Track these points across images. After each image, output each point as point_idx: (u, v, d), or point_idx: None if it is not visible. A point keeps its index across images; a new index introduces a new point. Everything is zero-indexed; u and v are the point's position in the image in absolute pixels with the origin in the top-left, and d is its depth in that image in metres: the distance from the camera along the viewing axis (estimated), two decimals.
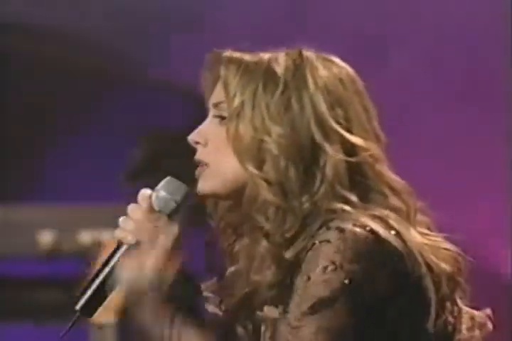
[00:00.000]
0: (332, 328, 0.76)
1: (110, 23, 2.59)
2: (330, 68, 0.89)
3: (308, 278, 0.78)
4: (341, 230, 0.79)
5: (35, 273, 2.73)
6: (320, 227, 0.82)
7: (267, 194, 0.84)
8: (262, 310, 0.86)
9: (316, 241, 0.80)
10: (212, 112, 0.92)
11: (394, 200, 0.86)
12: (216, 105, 0.91)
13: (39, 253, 2.70)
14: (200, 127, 0.92)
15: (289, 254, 0.83)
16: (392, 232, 0.81)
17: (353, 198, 0.84)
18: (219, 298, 0.92)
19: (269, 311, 0.85)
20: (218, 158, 0.89)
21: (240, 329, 0.90)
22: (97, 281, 0.87)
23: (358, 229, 0.79)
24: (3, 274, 2.71)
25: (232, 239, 0.92)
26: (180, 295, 0.89)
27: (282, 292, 0.83)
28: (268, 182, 0.84)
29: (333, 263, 0.77)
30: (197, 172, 0.91)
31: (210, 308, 0.92)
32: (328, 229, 0.80)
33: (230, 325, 0.91)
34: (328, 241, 0.78)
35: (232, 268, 0.91)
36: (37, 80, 2.66)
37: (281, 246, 0.84)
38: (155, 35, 2.64)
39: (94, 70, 2.61)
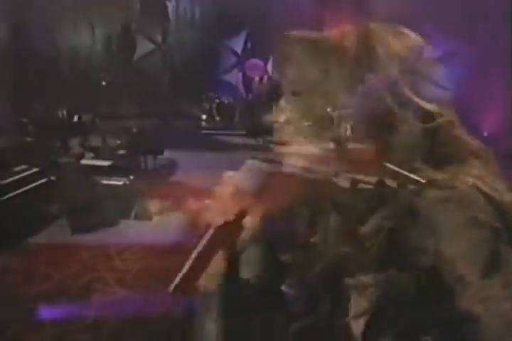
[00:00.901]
0: None
1: None
2: (398, 37, 0.88)
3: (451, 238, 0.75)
4: (451, 187, 0.78)
5: None
6: (415, 190, 0.79)
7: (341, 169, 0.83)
8: (352, 277, 0.86)
9: (429, 201, 0.77)
10: (287, 88, 0.93)
11: (475, 163, 0.85)
12: (291, 82, 0.92)
13: None
14: (278, 106, 0.92)
15: (368, 227, 0.82)
16: (493, 189, 0.80)
17: (430, 164, 0.83)
18: (299, 270, 0.92)
19: (362, 279, 0.85)
20: (300, 137, 0.88)
21: (325, 297, 0.90)
22: (189, 262, 0.88)
23: (464, 186, 0.78)
24: None
25: (307, 215, 0.91)
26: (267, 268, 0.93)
27: (370, 260, 0.83)
28: (343, 156, 0.83)
29: (466, 218, 0.75)
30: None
31: (285, 288, 0.94)
32: (438, 188, 0.78)
33: (311, 293, 0.92)
34: (446, 201, 0.77)
35: (311, 240, 0.90)
36: None
37: (354, 219, 0.83)
38: None
39: None
